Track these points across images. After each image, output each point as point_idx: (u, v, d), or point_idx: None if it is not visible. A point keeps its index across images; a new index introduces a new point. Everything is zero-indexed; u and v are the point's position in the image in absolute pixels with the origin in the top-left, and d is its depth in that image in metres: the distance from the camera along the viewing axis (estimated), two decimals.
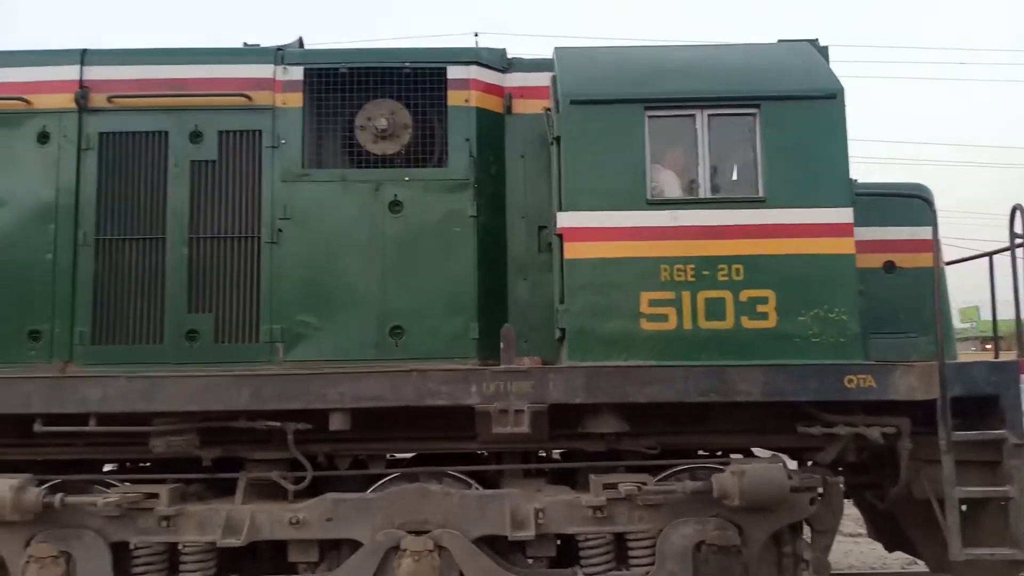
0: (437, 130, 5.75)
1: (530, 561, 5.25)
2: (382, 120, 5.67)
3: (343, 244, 5.52)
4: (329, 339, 5.43)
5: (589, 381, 4.94)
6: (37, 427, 5.03)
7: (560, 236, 5.18)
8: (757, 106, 5.22)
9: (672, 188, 5.35)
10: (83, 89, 5.62)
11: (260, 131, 5.64)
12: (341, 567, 5.05)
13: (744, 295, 5.05)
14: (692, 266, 5.10)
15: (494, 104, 5.85)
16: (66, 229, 5.47)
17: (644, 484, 5.02)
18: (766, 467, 4.98)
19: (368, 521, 5.05)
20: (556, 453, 6.13)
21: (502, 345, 5.15)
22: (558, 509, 5.07)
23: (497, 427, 4.92)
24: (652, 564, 5.03)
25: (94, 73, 5.68)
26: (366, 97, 5.71)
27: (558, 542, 5.34)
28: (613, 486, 5.04)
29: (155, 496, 5.06)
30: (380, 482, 5.28)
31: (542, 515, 5.01)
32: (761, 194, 5.17)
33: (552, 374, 4.99)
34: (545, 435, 5.15)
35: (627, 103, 5.27)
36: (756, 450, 5.69)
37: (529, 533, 4.98)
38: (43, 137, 5.59)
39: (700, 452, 5.69)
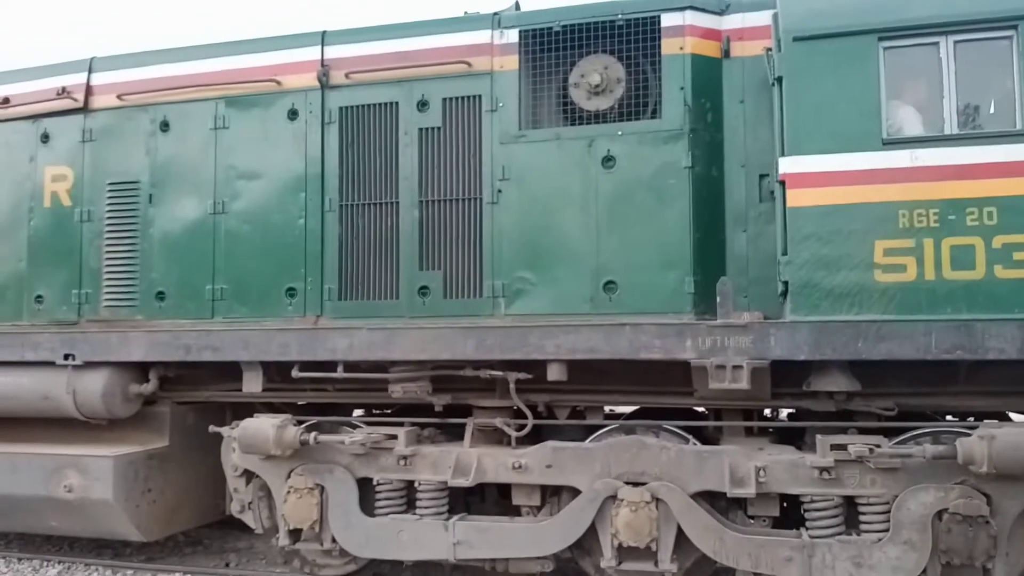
0: (651, 81, 5.64)
1: (751, 520, 5.12)
2: (595, 76, 5.65)
3: (558, 201, 5.60)
4: (545, 294, 5.56)
5: (816, 337, 4.67)
6: (295, 373, 5.68)
7: (783, 183, 4.90)
8: (1014, 27, 4.58)
9: (911, 126, 4.86)
10: (324, 68, 6.13)
11: (480, 96, 5.84)
12: (561, 512, 5.25)
13: (998, 241, 4.50)
14: (935, 211, 4.62)
15: (710, 49, 5.61)
16: (315, 196, 6.04)
17: (877, 446, 4.68)
18: (1021, 432, 4.45)
19: (586, 470, 5.17)
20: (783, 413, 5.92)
21: (718, 299, 5.01)
22: (781, 468, 4.88)
23: (714, 383, 4.81)
24: (886, 531, 4.71)
25: (333, 52, 6.18)
26: (579, 54, 5.71)
27: (784, 504, 5.17)
28: (842, 447, 4.76)
29: (394, 437, 5.54)
30: (597, 433, 5.38)
31: (763, 473, 4.85)
32: (1019, 127, 4.55)
33: (773, 329, 4.78)
34: (767, 393, 4.98)
35: (858, 35, 4.84)
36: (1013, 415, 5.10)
37: (749, 491, 4.85)
38: (292, 114, 6.18)
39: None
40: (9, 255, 6.73)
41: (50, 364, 6.12)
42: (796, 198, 4.87)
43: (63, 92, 6.67)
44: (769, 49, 5.34)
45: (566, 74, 5.75)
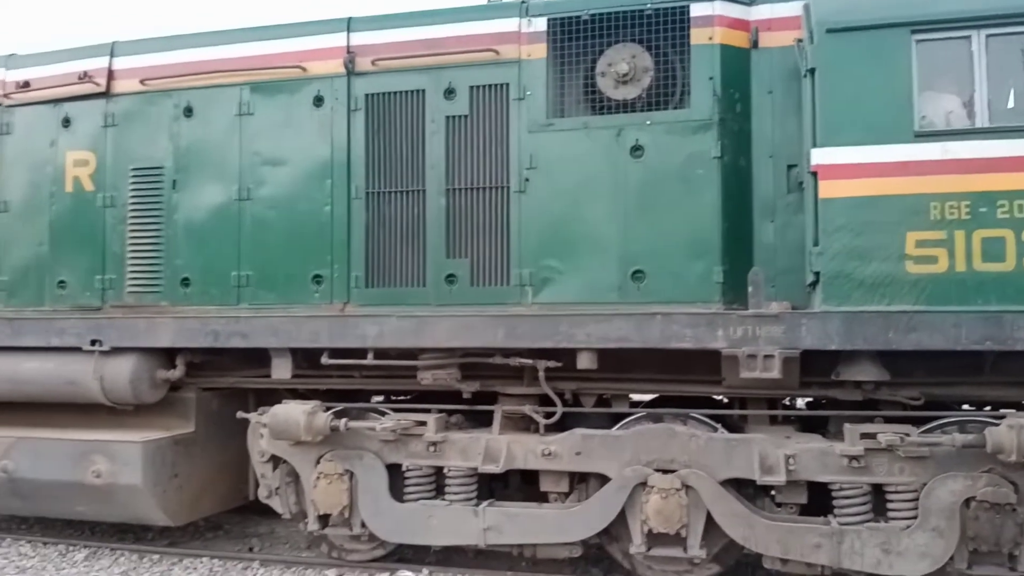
0: (679, 71, 5.65)
1: (778, 508, 5.19)
2: (623, 65, 5.66)
3: (586, 190, 5.62)
4: (573, 282, 5.58)
5: (846, 327, 4.73)
6: (324, 359, 5.70)
7: (814, 174, 4.95)
8: None
9: (943, 118, 4.90)
10: (350, 54, 6.11)
11: (507, 84, 5.84)
12: (591, 498, 5.31)
13: None
14: (967, 203, 4.67)
15: (739, 39, 5.62)
16: (341, 184, 6.04)
17: (907, 435, 4.75)
18: None
19: (616, 457, 5.23)
20: (802, 402, 5.99)
21: (750, 289, 5.06)
22: (810, 456, 4.95)
23: (745, 372, 4.87)
24: (913, 518, 4.79)
25: (359, 39, 6.16)
26: (607, 42, 5.72)
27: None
28: (871, 436, 4.83)
29: (423, 424, 5.58)
30: (625, 421, 5.44)
31: (792, 461, 4.92)
32: None
33: (805, 319, 4.83)
34: (796, 382, 5.03)
35: (891, 28, 4.87)
36: None
37: (779, 479, 4.92)
38: (318, 101, 6.16)
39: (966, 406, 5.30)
40: (31, 239, 6.72)
41: (76, 350, 6.14)
42: (828, 189, 4.91)
43: (85, 76, 6.64)
44: (800, 40, 5.37)
45: (594, 63, 5.76)
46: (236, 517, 7.16)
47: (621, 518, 5.25)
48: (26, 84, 6.87)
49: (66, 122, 6.73)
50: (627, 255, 5.49)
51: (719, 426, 5.28)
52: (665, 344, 5.06)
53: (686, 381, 5.52)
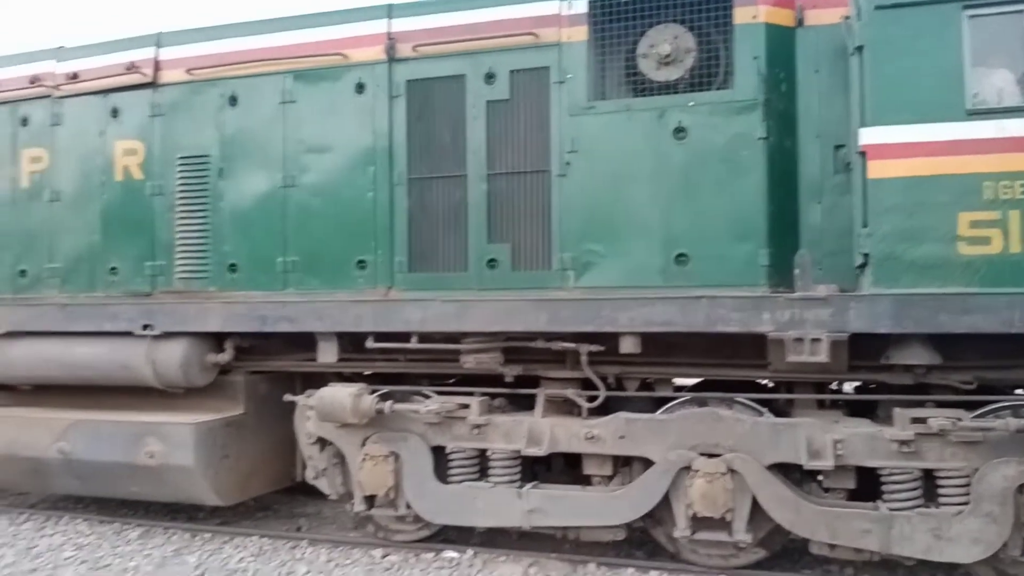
0: (722, 51, 5.57)
1: (825, 493, 5.14)
2: (665, 46, 5.59)
3: (628, 173, 5.58)
4: (616, 266, 5.56)
5: (896, 309, 4.65)
6: (369, 343, 5.78)
7: (863, 154, 4.85)
8: None
9: (996, 96, 4.77)
10: (391, 41, 6.14)
11: (548, 67, 5.81)
12: (635, 482, 5.32)
13: None
14: (1022, 182, 4.55)
15: (784, 18, 5.53)
16: (383, 170, 6.08)
17: (959, 420, 4.67)
18: None
19: (660, 441, 5.23)
20: (850, 386, 5.91)
21: (797, 272, 5.00)
22: (859, 441, 4.89)
23: (792, 355, 4.82)
24: (965, 504, 4.71)
25: (399, 25, 6.18)
26: (649, 23, 5.65)
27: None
28: (921, 420, 4.75)
29: (467, 407, 5.63)
30: (669, 405, 5.42)
31: (840, 446, 4.86)
32: None
33: (853, 302, 4.77)
34: (844, 366, 4.97)
35: (942, 3, 4.75)
36: None
37: (826, 463, 4.87)
38: (359, 87, 6.21)
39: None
40: (83, 227, 6.89)
41: (127, 334, 6.30)
42: (877, 169, 4.82)
43: (132, 67, 6.77)
44: (847, 17, 5.26)
45: (635, 44, 5.70)
46: (284, 498, 7.31)
47: (665, 502, 5.24)
48: (75, 76, 7.03)
49: (115, 112, 6.87)
50: (670, 238, 5.45)
51: (765, 410, 5.24)
52: (710, 328, 5.03)
53: (731, 365, 5.48)
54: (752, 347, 5.23)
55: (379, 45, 6.18)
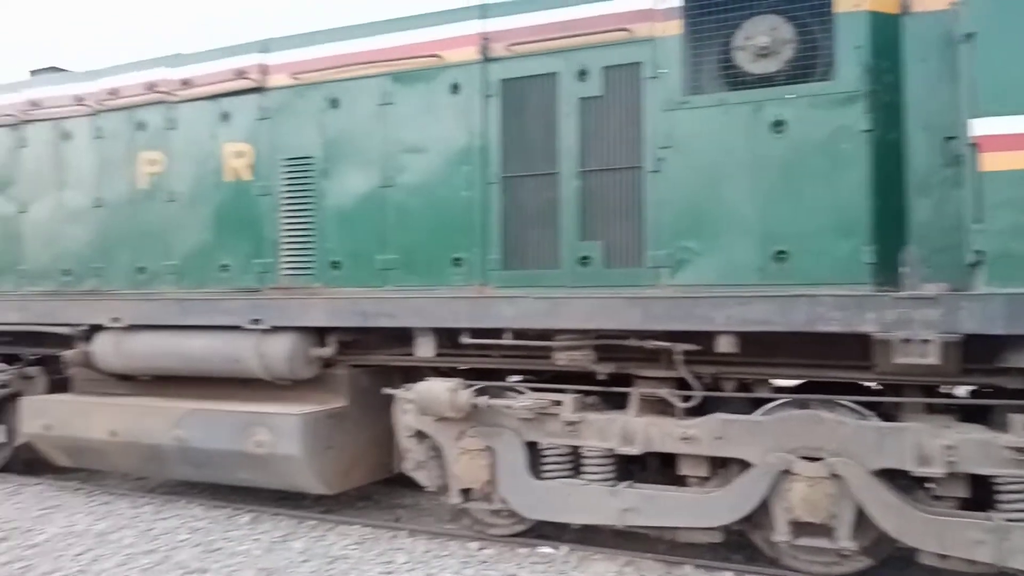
0: (822, 41, 5.39)
1: (936, 501, 4.94)
2: (762, 37, 5.45)
3: (724, 169, 5.47)
4: (711, 264, 5.47)
5: (1012, 309, 4.41)
6: (464, 339, 5.90)
7: (975, 146, 4.62)
8: None
9: None
10: (485, 41, 6.21)
11: (641, 63, 5.76)
12: (732, 484, 5.25)
13: None
14: None
15: (889, 5, 5.29)
16: (477, 169, 6.17)
17: None
18: None
19: (758, 443, 5.14)
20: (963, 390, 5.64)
21: (903, 269, 4.81)
22: (971, 447, 4.67)
23: (899, 357, 4.64)
24: None
25: (493, 24, 6.24)
26: (744, 15, 5.53)
27: None
28: None
29: (559, 404, 5.68)
30: (767, 407, 5.32)
31: (951, 452, 4.66)
32: None
33: (965, 301, 4.55)
34: (956, 369, 4.75)
35: None
36: None
37: (936, 470, 4.68)
38: (454, 88, 6.31)
39: None
40: (195, 226, 7.27)
41: (237, 328, 6.63)
42: (991, 162, 4.58)
43: (240, 73, 7.08)
44: (956, 3, 5.01)
45: (730, 37, 5.58)
46: (383, 488, 7.54)
47: (764, 505, 5.16)
48: (187, 82, 7.41)
49: (224, 116, 7.20)
50: (769, 235, 5.33)
51: (871, 414, 5.06)
52: (811, 327, 4.90)
53: (833, 367, 5.32)
54: (856, 348, 5.07)
55: (473, 45, 6.26)
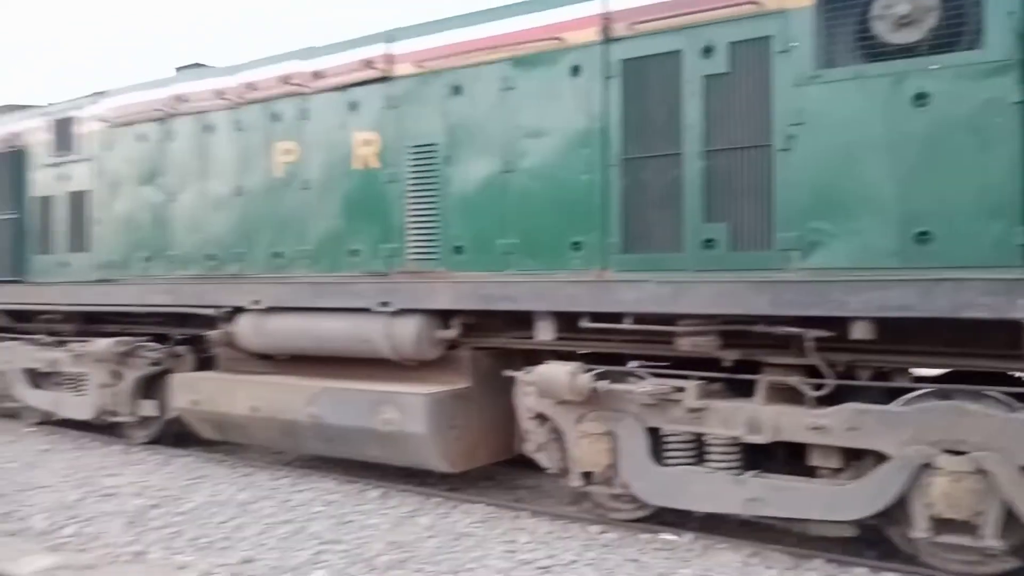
0: (969, 7, 5.01)
1: None
2: (903, 5, 5.12)
3: (860, 145, 5.19)
4: (845, 246, 5.21)
5: None
6: (583, 323, 5.90)
7: None
8: None
9: None
10: (606, 21, 6.13)
11: (770, 37, 5.53)
12: (867, 477, 5.02)
13: None
14: None
15: None
16: (597, 151, 6.12)
17: None
18: None
19: (895, 435, 4.89)
20: None
21: None
22: None
23: None
24: None
25: (614, 4, 6.12)
26: None
27: None
28: None
29: (682, 390, 5.59)
30: (906, 397, 5.04)
31: None
32: None
33: None
34: None
35: None
36: None
37: None
38: (575, 70, 6.26)
39: None
40: (327, 213, 7.59)
41: (367, 311, 6.90)
42: None
43: (368, 63, 7.31)
44: None
45: (868, 6, 5.27)
46: (505, 469, 7.67)
47: (902, 500, 4.91)
48: (318, 74, 7.71)
49: (353, 106, 7.46)
50: (909, 215, 5.02)
51: (1022, 406, 4.71)
52: (955, 314, 4.60)
53: (979, 355, 4.99)
54: (1005, 335, 4.72)
55: (594, 26, 6.19)
